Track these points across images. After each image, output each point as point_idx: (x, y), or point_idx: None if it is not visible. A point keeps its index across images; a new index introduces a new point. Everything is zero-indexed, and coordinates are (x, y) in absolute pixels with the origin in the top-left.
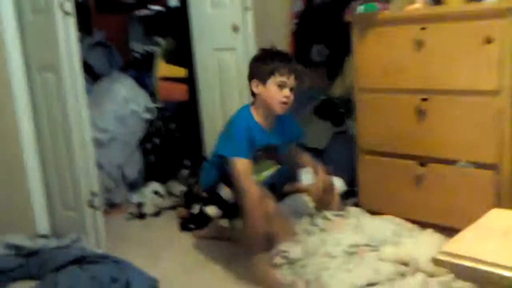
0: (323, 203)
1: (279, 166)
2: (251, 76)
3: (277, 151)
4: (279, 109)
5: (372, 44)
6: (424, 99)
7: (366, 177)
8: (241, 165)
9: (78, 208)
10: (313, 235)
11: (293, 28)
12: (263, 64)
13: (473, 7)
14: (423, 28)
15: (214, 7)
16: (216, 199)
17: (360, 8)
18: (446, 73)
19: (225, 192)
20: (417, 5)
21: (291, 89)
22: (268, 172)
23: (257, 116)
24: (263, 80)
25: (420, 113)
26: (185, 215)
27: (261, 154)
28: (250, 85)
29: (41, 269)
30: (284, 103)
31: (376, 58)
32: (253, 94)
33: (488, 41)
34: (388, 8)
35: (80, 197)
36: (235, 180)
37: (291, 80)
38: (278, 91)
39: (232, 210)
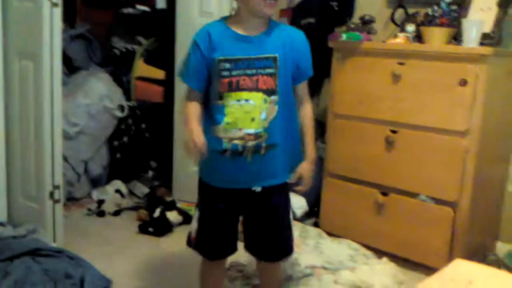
0: None
1: (276, 110)
2: None
3: (273, 73)
4: (266, 8)
5: (351, 72)
6: (394, 131)
7: (329, 200)
8: (185, 92)
9: (39, 199)
10: None
11: None
12: None
13: (451, 49)
14: (401, 63)
15: (201, 15)
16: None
17: (343, 36)
18: (419, 109)
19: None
20: (398, 40)
21: None
22: (256, 124)
23: (234, 24)
24: None
25: (388, 144)
26: (145, 217)
27: (239, 72)
28: None
29: None
30: None
31: (353, 86)
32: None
33: (463, 83)
34: (370, 39)
35: (43, 188)
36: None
37: None
38: None
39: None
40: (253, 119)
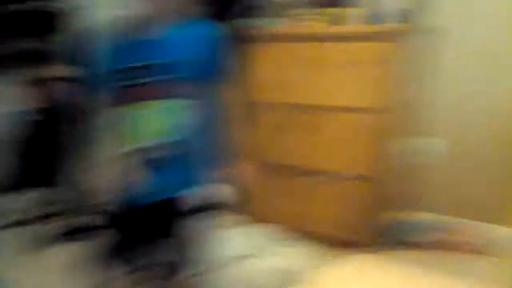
0: None
1: (186, 115)
2: None
3: (178, 78)
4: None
5: (267, 58)
6: (313, 114)
7: (256, 187)
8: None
9: None
10: None
11: None
12: None
13: (367, 28)
14: (318, 46)
15: (101, 10)
16: None
17: (257, 23)
18: (335, 90)
19: None
20: (314, 24)
21: None
22: (164, 133)
23: (136, 27)
24: None
25: (308, 128)
26: (69, 223)
27: (142, 81)
28: None
29: None
30: None
31: (270, 73)
32: None
33: (379, 61)
34: (285, 23)
35: None
36: None
37: None
38: None
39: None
40: (160, 128)
